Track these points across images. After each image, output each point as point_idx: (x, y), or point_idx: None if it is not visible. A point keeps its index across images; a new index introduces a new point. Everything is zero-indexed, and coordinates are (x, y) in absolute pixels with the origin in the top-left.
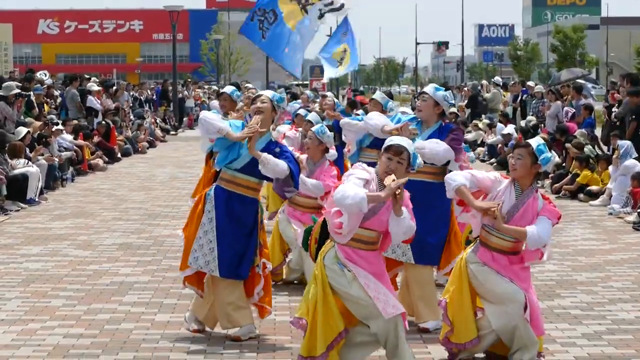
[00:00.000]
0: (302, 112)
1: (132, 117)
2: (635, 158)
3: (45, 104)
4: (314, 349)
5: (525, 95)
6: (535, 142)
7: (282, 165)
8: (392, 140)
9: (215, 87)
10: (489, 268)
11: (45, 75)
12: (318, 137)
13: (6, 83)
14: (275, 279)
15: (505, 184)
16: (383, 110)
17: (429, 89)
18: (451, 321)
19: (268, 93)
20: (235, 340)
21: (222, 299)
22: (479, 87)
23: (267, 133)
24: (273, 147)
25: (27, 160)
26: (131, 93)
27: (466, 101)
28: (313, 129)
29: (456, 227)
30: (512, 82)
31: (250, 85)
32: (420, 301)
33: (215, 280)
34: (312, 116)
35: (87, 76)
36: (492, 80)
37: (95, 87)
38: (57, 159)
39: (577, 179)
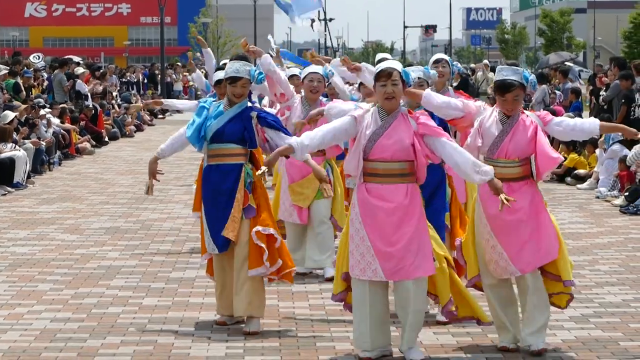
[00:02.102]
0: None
1: (119, 100)
2: (619, 142)
3: (33, 88)
4: (334, 287)
5: None
6: (520, 75)
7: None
8: (380, 66)
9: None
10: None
11: (39, 57)
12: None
13: None
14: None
15: (489, 112)
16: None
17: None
18: (465, 260)
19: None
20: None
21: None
22: (469, 70)
23: (243, 100)
24: (248, 112)
25: (14, 144)
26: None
27: (456, 84)
28: (319, 70)
29: (461, 210)
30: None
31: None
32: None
33: (227, 260)
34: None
35: (76, 60)
36: (484, 61)
37: (81, 70)
38: (44, 143)
39: (564, 163)
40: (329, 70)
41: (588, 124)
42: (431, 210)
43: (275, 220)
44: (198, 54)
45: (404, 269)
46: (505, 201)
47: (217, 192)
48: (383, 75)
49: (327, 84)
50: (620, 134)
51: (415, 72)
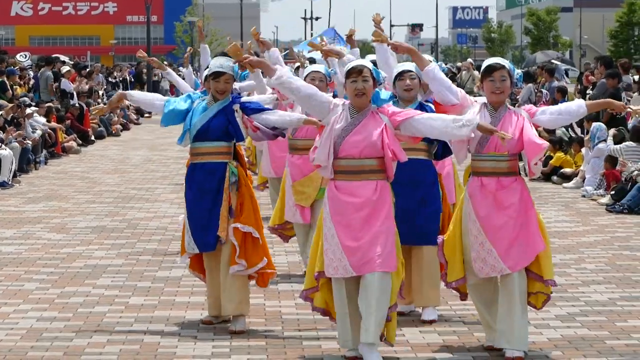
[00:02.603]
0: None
1: (105, 99)
2: (605, 140)
3: (19, 86)
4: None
5: None
6: (505, 62)
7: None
8: (350, 64)
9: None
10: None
11: (25, 56)
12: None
13: None
14: (289, 234)
15: (479, 107)
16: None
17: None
18: (445, 259)
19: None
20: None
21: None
22: (455, 69)
23: (226, 97)
24: (231, 106)
25: (0, 143)
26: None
27: None
28: (321, 69)
29: (450, 212)
30: None
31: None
32: (425, 283)
33: (214, 260)
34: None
35: (62, 59)
36: (468, 60)
37: (67, 69)
38: (30, 142)
39: (551, 161)
40: (332, 70)
41: (574, 105)
42: (427, 214)
43: (282, 222)
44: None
45: (370, 262)
46: (501, 137)
47: (202, 191)
48: (354, 72)
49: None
50: (606, 133)
51: (405, 66)
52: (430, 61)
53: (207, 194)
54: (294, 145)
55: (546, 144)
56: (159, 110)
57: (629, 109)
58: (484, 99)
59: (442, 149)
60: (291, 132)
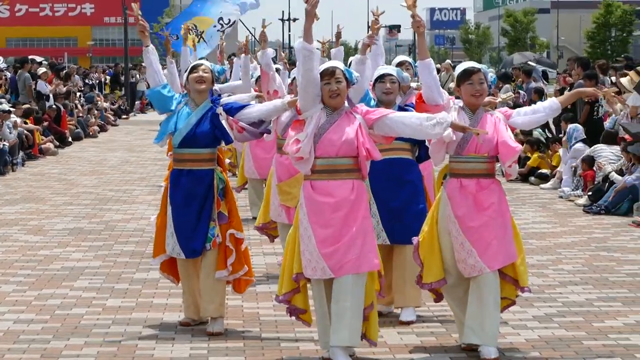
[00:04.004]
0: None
1: (82, 100)
2: (582, 140)
3: None
4: (280, 287)
5: None
6: (479, 65)
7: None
8: (322, 66)
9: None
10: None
11: (0, 59)
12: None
13: None
14: (274, 233)
15: (457, 110)
16: None
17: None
18: (421, 261)
19: (207, 64)
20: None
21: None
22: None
23: (206, 94)
24: (214, 110)
25: None
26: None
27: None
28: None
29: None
30: None
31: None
32: (407, 282)
33: (192, 265)
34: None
35: (38, 60)
36: (447, 61)
37: (43, 70)
38: (7, 143)
39: (528, 162)
40: None
41: (547, 102)
42: (413, 213)
43: (267, 221)
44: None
45: (348, 264)
46: (476, 133)
47: (190, 198)
48: (326, 74)
49: None
50: (583, 134)
51: (386, 69)
52: (410, 62)
53: (196, 201)
54: (282, 145)
55: (520, 147)
56: (156, 84)
57: (599, 94)
58: (461, 102)
59: (424, 152)
60: (280, 132)
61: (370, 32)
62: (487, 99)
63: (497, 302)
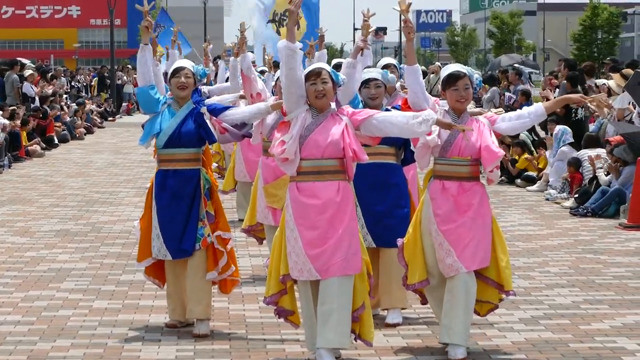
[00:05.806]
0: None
1: (69, 102)
2: (570, 143)
3: None
4: (267, 289)
5: None
6: (465, 68)
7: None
8: (308, 67)
9: None
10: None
11: None
12: None
13: None
14: (262, 235)
15: (442, 114)
16: None
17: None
18: (406, 262)
19: (190, 66)
20: (204, 337)
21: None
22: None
23: (188, 96)
24: (198, 109)
25: None
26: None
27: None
28: None
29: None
30: None
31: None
32: (393, 283)
33: (180, 266)
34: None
35: (24, 62)
36: (436, 64)
37: (30, 72)
38: None
39: (516, 165)
40: None
41: (532, 108)
42: (398, 216)
43: (254, 223)
44: (229, 45)
45: (334, 266)
46: (462, 130)
47: (177, 198)
48: (312, 75)
49: None
50: (571, 136)
51: (371, 73)
52: (395, 65)
53: (183, 201)
54: (268, 147)
55: (502, 152)
56: (145, 83)
57: (586, 101)
58: (446, 106)
59: (410, 155)
60: (266, 134)
61: (362, 37)
62: (476, 109)
63: (469, 302)
